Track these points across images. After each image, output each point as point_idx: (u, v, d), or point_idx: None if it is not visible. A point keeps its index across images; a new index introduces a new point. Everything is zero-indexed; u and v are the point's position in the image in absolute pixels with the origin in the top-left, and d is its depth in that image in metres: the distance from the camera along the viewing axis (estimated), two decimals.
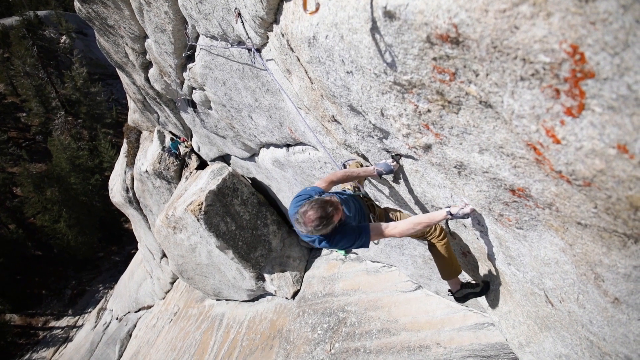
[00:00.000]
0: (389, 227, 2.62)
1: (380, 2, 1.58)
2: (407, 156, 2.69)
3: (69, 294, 29.65)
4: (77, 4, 8.32)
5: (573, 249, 1.78)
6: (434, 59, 1.52)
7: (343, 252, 2.93)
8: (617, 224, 1.35)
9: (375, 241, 3.12)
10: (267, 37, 3.35)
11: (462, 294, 3.62)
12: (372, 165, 3.17)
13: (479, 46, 1.26)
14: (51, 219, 29.42)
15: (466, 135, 1.76)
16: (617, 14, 0.89)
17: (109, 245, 32.99)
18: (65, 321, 27.76)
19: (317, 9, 1.70)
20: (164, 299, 15.33)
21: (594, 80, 1.02)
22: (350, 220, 2.73)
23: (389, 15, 1.55)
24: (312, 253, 9.30)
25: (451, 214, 2.45)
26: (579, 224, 1.59)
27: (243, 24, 3.57)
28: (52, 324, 28.06)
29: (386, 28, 1.62)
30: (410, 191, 3.13)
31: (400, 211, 3.33)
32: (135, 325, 17.01)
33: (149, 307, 16.63)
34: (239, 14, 3.56)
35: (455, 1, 1.25)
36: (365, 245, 2.70)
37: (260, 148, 7.03)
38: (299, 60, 2.84)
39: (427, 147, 2.13)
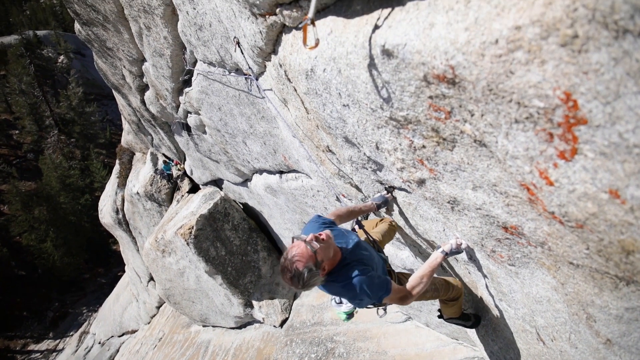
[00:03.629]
0: (408, 290, 2.40)
1: (378, 40, 1.62)
2: (401, 189, 2.70)
3: (50, 316, 28.79)
4: (77, 26, 8.44)
5: (565, 288, 1.78)
6: (430, 97, 1.55)
7: (344, 315, 2.84)
8: (609, 266, 1.36)
9: (383, 308, 2.95)
10: (265, 66, 3.40)
11: (452, 321, 3.61)
12: (369, 200, 3.14)
13: (475, 88, 1.29)
14: (37, 239, 28.89)
15: (460, 172, 1.78)
16: (608, 66, 0.92)
17: (95, 267, 32.36)
18: (45, 344, 26.85)
19: (316, 44, 1.74)
20: (149, 323, 14.96)
21: (587, 127, 1.04)
22: (362, 263, 2.33)
23: (387, 53, 1.59)
24: None
25: (446, 253, 2.45)
26: (571, 264, 1.59)
27: (242, 53, 3.63)
28: (32, 347, 27.12)
29: (384, 65, 1.66)
30: (407, 221, 3.12)
31: (403, 273, 3.18)
32: (117, 351, 16.53)
33: (134, 331, 16.19)
34: (238, 43, 3.62)
35: (452, 44, 1.29)
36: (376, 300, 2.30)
37: (254, 174, 7.04)
38: (295, 90, 2.87)
39: (421, 182, 2.15)
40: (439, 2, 1.38)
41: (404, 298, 2.39)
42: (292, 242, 2.12)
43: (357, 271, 2.23)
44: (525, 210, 1.58)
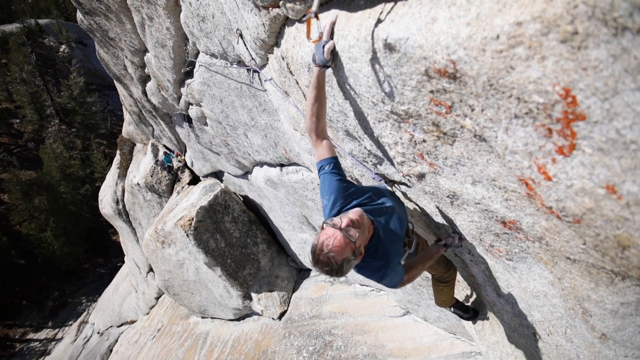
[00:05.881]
0: (411, 274, 2.34)
1: (380, 34, 1.63)
2: (401, 183, 2.71)
3: (50, 305, 28.93)
4: (79, 15, 8.41)
5: (562, 283, 1.80)
6: (431, 91, 1.56)
7: None
8: (605, 261, 1.38)
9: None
10: (267, 59, 3.40)
11: (452, 310, 3.66)
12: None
13: (476, 83, 1.30)
14: (37, 228, 28.95)
15: (460, 167, 1.79)
16: (607, 62, 0.93)
17: (95, 257, 32.45)
18: (44, 333, 26.99)
19: (320, 38, 1.75)
20: (148, 314, 15.04)
21: (585, 123, 1.05)
22: (389, 229, 2.17)
23: (389, 47, 1.60)
24: (301, 274, 9.23)
25: (446, 246, 2.48)
26: (568, 259, 1.61)
27: (245, 45, 3.63)
28: (31, 336, 27.26)
29: (386, 59, 1.67)
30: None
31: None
32: (116, 341, 16.62)
33: (132, 322, 16.28)
34: (241, 35, 3.62)
35: (454, 39, 1.30)
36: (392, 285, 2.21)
37: (254, 166, 7.05)
38: (297, 83, 2.88)
39: (421, 176, 2.16)
40: None
41: (402, 284, 2.32)
42: (323, 227, 1.90)
43: (384, 260, 2.09)
44: (523, 205, 1.60)
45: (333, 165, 2.15)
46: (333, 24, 1.93)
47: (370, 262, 2.07)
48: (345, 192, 2.15)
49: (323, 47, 1.90)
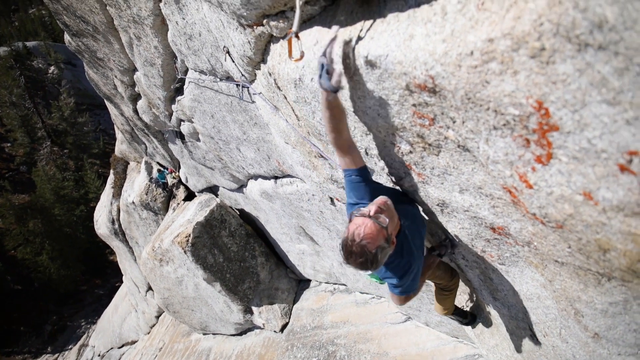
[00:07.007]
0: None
1: (361, 51, 1.67)
2: None
3: (48, 329, 28.51)
4: (67, 37, 8.44)
5: (553, 285, 1.83)
6: (414, 105, 1.60)
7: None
8: (590, 263, 1.41)
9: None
10: (255, 75, 3.44)
11: (451, 317, 3.67)
12: None
13: (454, 97, 1.34)
14: (33, 252, 28.63)
15: (447, 176, 1.83)
16: (574, 76, 0.97)
17: (92, 278, 32.10)
18: (44, 359, 26.62)
19: (301, 57, 1.79)
20: (148, 333, 14.89)
21: (559, 133, 1.09)
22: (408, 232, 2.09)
23: (370, 64, 1.64)
24: (301, 285, 9.21)
25: (440, 255, 2.51)
26: (556, 262, 1.65)
27: (232, 62, 3.67)
28: None
29: (368, 75, 1.71)
30: None
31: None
32: None
33: (133, 342, 16.11)
34: (228, 52, 3.66)
35: (431, 55, 1.34)
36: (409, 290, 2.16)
37: (248, 180, 7.07)
38: (285, 98, 2.92)
39: (411, 186, 2.20)
40: (417, 14, 1.43)
41: (408, 298, 2.30)
42: (351, 219, 1.85)
43: (408, 258, 2.04)
44: (510, 212, 1.64)
45: (358, 173, 2.05)
46: (334, 45, 1.73)
47: (394, 259, 1.99)
48: (371, 188, 2.08)
49: (327, 72, 1.69)
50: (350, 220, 1.84)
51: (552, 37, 0.97)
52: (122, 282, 19.11)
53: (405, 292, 2.17)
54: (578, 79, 0.96)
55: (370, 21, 1.67)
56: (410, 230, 2.08)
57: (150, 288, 13.66)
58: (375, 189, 2.09)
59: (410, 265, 2.06)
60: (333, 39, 1.70)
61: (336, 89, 1.71)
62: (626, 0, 0.82)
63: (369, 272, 1.86)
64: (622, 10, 0.83)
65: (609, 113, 0.96)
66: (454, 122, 1.48)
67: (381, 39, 1.57)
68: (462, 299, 3.80)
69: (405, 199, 2.34)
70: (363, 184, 2.04)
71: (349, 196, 2.11)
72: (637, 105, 0.90)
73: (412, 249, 2.06)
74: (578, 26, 0.90)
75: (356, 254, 1.73)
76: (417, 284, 2.20)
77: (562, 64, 0.98)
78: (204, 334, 10.95)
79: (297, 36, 1.72)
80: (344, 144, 1.98)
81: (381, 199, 1.91)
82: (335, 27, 1.72)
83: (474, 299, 3.58)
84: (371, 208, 1.83)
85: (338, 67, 1.70)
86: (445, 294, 3.36)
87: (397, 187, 2.44)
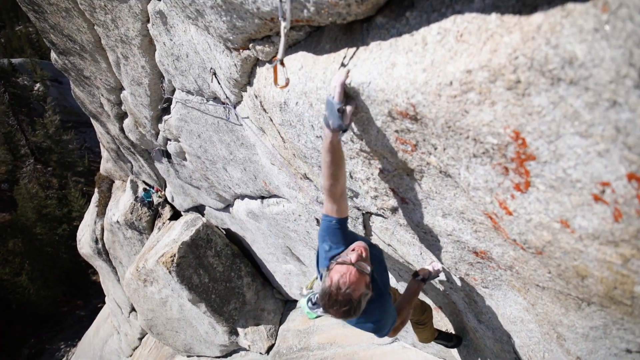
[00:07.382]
0: (402, 316, 2.35)
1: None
2: (377, 214, 2.76)
3: (26, 353, 27.47)
4: (53, 55, 8.40)
5: (535, 309, 1.84)
6: (397, 131, 1.62)
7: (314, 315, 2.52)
8: (570, 288, 1.43)
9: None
10: (242, 96, 3.47)
11: (435, 341, 3.68)
12: None
13: (435, 125, 1.37)
14: (12, 272, 27.80)
15: (430, 200, 1.85)
16: (548, 109, 1.00)
17: (74, 299, 31.19)
18: None
19: (286, 84, 1.81)
20: (131, 356, 14.47)
21: (536, 162, 1.12)
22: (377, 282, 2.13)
23: (353, 90, 1.66)
24: (287, 305, 9.08)
25: (424, 280, 2.51)
26: (537, 286, 1.66)
27: (219, 83, 3.70)
28: None
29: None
30: (385, 245, 3.17)
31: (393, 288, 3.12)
32: None
33: None
34: (215, 74, 3.69)
35: (412, 84, 1.36)
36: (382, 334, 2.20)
37: (235, 199, 7.03)
38: (271, 120, 2.94)
39: (394, 209, 2.21)
40: (399, 43, 1.47)
41: (397, 329, 2.37)
42: (332, 266, 1.86)
43: (384, 297, 2.07)
44: (492, 237, 1.65)
45: (339, 221, 2.04)
46: (343, 84, 1.64)
47: (369, 304, 1.96)
48: (346, 234, 2.10)
49: (337, 109, 1.63)
50: (329, 269, 1.85)
51: (526, 71, 1.00)
52: (104, 303, 18.60)
53: (390, 328, 2.20)
54: (552, 111, 0.99)
55: (354, 49, 1.70)
56: (378, 273, 2.13)
57: (133, 309, 13.33)
58: (350, 235, 2.13)
59: (383, 304, 2.11)
60: (343, 82, 1.63)
61: (346, 129, 1.68)
62: (593, 39, 0.85)
63: (348, 320, 1.87)
64: (589, 48, 0.86)
65: (581, 145, 0.99)
66: (436, 148, 1.50)
67: (364, 67, 1.60)
68: (447, 321, 3.80)
69: (371, 243, 2.36)
70: (340, 230, 2.04)
71: (324, 240, 2.09)
72: (607, 138, 0.93)
73: (382, 291, 2.12)
74: (550, 61, 0.93)
75: (340, 302, 1.74)
76: (396, 316, 2.24)
77: (537, 96, 1.01)
78: (189, 357, 10.68)
79: (282, 63, 1.74)
80: (337, 192, 1.95)
81: (360, 245, 1.94)
82: (345, 69, 1.67)
83: (459, 320, 3.57)
84: (351, 255, 1.85)
85: (350, 106, 1.66)
86: (420, 327, 3.42)
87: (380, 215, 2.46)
